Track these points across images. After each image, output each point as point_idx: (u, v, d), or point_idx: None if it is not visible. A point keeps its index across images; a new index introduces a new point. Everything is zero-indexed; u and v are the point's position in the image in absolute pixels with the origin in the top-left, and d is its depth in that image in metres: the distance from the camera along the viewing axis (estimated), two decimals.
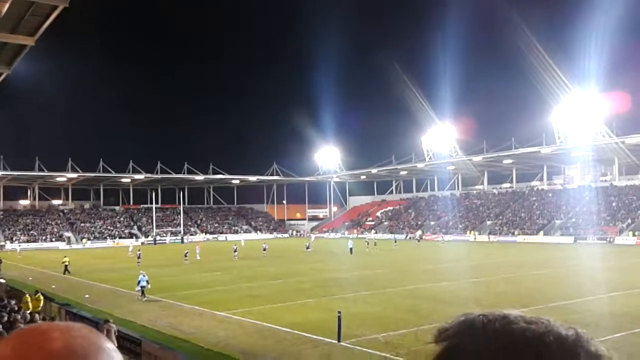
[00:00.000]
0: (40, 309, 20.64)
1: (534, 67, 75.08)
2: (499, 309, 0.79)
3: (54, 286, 32.87)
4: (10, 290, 27.04)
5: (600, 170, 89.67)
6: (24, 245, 76.83)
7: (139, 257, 48.53)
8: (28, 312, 16.82)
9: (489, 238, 79.58)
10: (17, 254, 62.88)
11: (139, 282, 28.22)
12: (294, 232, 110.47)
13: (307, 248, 59.61)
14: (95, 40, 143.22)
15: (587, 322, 20.09)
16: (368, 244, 63.60)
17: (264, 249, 56.18)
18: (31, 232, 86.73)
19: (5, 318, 13.17)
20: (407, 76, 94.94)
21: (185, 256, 49.70)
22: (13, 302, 19.86)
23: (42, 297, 22.00)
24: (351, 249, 55.78)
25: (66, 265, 40.66)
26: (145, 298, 27.88)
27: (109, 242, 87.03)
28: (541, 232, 77.03)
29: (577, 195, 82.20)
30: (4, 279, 34.29)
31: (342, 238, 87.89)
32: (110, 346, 0.81)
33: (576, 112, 78.10)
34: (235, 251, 54.26)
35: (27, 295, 21.84)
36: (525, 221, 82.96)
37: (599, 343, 0.80)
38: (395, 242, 70.18)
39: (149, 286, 28.51)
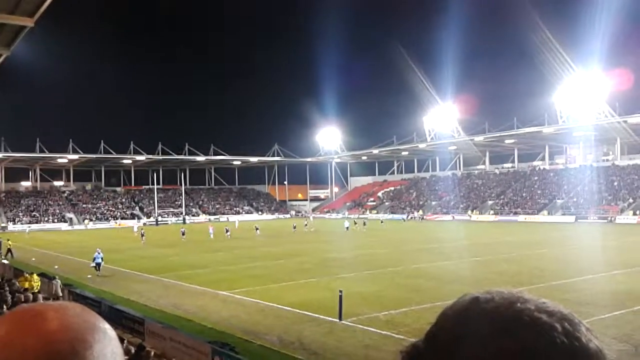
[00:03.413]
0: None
1: (536, 46, 74.72)
2: (498, 287, 0.79)
3: (56, 267, 33.02)
4: (15, 270, 27.24)
5: (602, 149, 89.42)
6: (22, 226, 77.25)
7: (142, 236, 51.72)
8: (31, 291, 16.93)
9: (476, 217, 79.77)
10: (25, 235, 63.98)
11: (95, 258, 30.58)
12: (295, 213, 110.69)
13: (294, 228, 63.80)
14: (95, 20, 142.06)
15: (587, 300, 20.24)
16: (356, 223, 67.08)
17: (257, 229, 58.95)
18: (33, 213, 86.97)
19: (10, 298, 13.28)
20: (409, 56, 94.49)
21: (183, 234, 53.17)
22: (18, 282, 20.04)
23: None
24: (347, 227, 60.46)
25: (9, 249, 40.22)
26: (99, 273, 29.89)
27: (111, 223, 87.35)
28: (543, 212, 77.12)
29: (579, 174, 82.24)
30: (7, 260, 34.51)
31: (342, 218, 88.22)
32: (105, 325, 0.82)
33: (578, 91, 77.68)
34: (227, 231, 56.25)
35: (33, 275, 22.09)
36: (527, 201, 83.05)
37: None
38: (382, 222, 72.33)
39: (103, 263, 30.79)
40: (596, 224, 64.53)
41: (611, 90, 75.41)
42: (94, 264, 30.44)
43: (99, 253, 30.76)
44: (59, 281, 21.81)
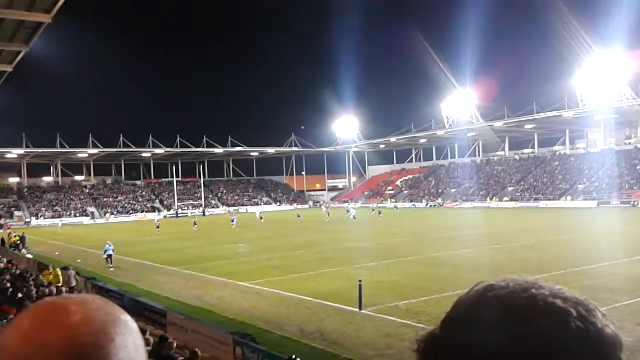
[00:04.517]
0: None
1: (555, 28, 73.56)
2: (517, 274, 0.79)
3: (79, 260, 33.56)
4: (39, 265, 27.73)
5: (624, 133, 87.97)
6: (53, 220, 78.73)
7: (157, 227, 55.66)
8: (55, 285, 17.22)
9: (496, 204, 79.03)
10: (58, 229, 65.52)
11: (106, 250, 30.99)
12: (313, 203, 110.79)
13: (298, 216, 69.42)
14: (112, 15, 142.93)
15: (609, 286, 19.98)
16: (380, 213, 67.43)
17: (261, 218, 63.06)
18: (55, 208, 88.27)
19: (34, 292, 13.51)
20: (426, 41, 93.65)
21: (195, 224, 56.19)
22: (42, 276, 20.40)
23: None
24: (354, 215, 62.58)
25: (17, 243, 41.56)
26: (111, 265, 30.38)
27: (132, 217, 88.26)
28: (564, 197, 76.23)
29: (600, 159, 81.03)
30: (31, 254, 35.12)
31: (361, 207, 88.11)
32: (127, 317, 0.83)
33: (599, 73, 76.30)
34: (232, 221, 59.74)
35: (57, 269, 22.48)
36: (548, 186, 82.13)
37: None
38: (373, 209, 70.91)
39: (114, 254, 31.31)
40: (618, 209, 63.64)
41: (633, 71, 73.97)
42: (106, 256, 30.90)
43: (109, 245, 31.26)
44: (73, 271, 22.77)
